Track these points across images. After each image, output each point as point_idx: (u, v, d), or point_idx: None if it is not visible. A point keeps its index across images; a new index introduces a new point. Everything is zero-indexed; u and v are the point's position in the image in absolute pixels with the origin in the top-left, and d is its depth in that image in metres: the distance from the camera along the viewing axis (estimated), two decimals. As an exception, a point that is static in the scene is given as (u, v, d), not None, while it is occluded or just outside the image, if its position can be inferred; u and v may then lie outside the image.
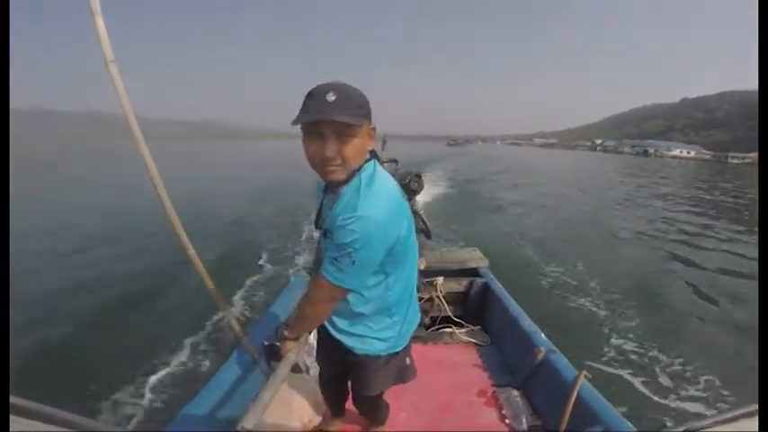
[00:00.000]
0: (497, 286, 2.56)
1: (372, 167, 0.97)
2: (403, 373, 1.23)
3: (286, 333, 1.12)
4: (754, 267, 6.17)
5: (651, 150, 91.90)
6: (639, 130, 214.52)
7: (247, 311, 3.98)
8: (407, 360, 1.23)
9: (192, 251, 1.22)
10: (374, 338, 1.12)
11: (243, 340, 1.60)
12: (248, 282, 4.67)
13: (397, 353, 1.17)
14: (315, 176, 0.98)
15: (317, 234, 1.14)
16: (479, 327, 2.54)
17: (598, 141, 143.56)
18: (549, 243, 6.98)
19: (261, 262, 5.49)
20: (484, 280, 2.64)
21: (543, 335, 1.99)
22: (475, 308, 2.63)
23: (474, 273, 2.75)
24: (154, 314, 3.88)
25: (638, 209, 11.84)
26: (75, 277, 4.78)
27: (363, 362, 1.15)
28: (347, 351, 1.15)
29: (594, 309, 4.34)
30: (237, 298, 4.24)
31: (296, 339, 1.12)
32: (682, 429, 0.60)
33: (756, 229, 8.14)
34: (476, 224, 8.13)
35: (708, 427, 0.60)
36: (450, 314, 2.54)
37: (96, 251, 5.87)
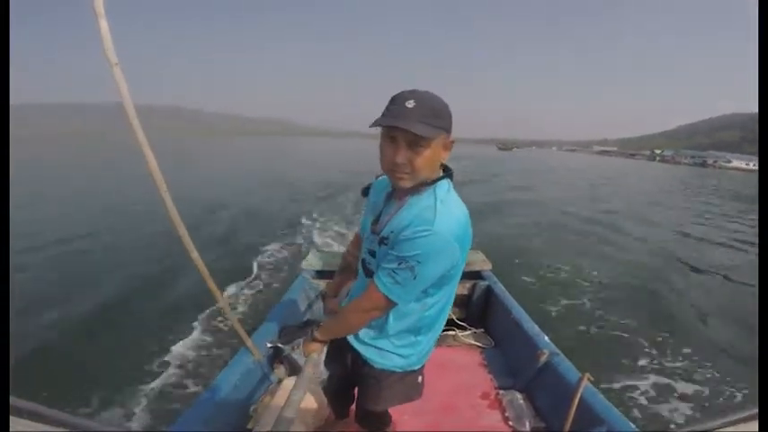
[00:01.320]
0: (500, 289, 2.55)
1: (447, 186, 0.96)
2: (412, 392, 1.20)
3: (317, 335, 1.09)
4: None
5: (710, 161, 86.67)
6: (712, 140, 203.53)
7: (248, 312, 3.98)
8: (420, 378, 1.19)
9: (195, 254, 1.22)
10: (394, 354, 1.09)
11: (246, 342, 1.60)
12: (249, 281, 4.67)
13: (414, 371, 1.15)
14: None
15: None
16: (482, 329, 2.53)
17: (657, 151, 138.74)
18: (550, 245, 6.94)
19: (262, 259, 5.49)
20: (487, 283, 2.63)
21: (546, 337, 1.98)
22: (478, 310, 2.62)
23: (477, 275, 2.74)
24: (155, 313, 3.87)
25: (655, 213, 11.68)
26: (74, 274, 4.80)
27: (378, 375, 1.12)
28: (364, 363, 1.12)
29: (594, 309, 4.31)
30: (239, 298, 4.25)
31: (323, 342, 1.11)
32: (682, 432, 0.60)
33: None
34: (479, 225, 8.08)
35: (708, 430, 0.60)
36: (454, 317, 2.54)
37: (97, 247, 5.89)
